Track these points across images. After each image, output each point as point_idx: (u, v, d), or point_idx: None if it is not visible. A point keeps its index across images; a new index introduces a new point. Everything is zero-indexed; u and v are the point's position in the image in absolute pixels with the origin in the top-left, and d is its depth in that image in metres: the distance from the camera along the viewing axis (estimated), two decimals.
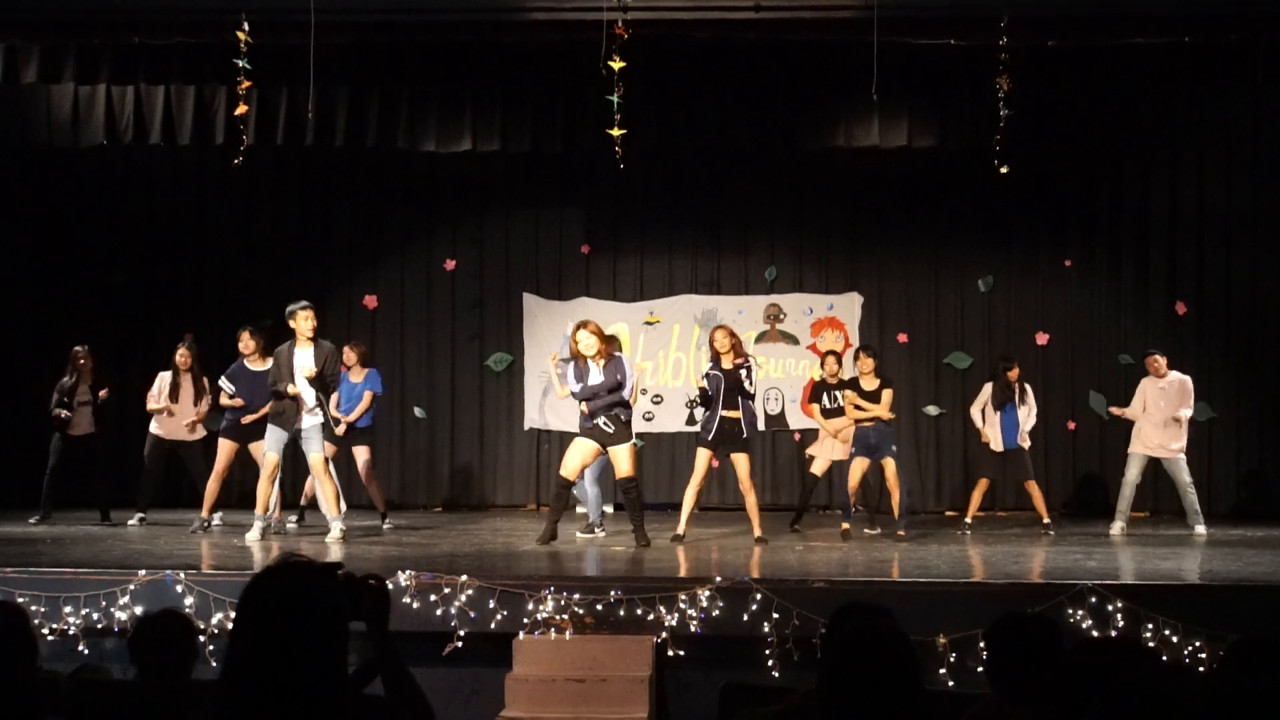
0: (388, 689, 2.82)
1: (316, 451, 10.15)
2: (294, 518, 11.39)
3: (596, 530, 10.65)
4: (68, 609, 7.66)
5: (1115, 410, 11.78)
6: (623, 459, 9.88)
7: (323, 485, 10.31)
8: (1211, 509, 11.90)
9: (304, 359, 10.01)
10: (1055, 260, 13.63)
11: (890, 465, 10.64)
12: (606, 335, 10.13)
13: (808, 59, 10.95)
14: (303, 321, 10.00)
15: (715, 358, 10.16)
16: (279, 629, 2.42)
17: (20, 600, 6.99)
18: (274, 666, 2.40)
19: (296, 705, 2.39)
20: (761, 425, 13.55)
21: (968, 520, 11.27)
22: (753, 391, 10.21)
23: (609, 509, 12.39)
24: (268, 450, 10.14)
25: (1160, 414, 11.11)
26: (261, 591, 2.49)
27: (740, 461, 10.14)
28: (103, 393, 11.78)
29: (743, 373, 10.04)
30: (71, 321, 13.04)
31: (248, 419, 10.85)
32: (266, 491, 10.22)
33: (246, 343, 10.94)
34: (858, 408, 10.74)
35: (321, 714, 2.41)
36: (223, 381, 11.03)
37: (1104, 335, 13.49)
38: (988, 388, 11.37)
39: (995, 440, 11.23)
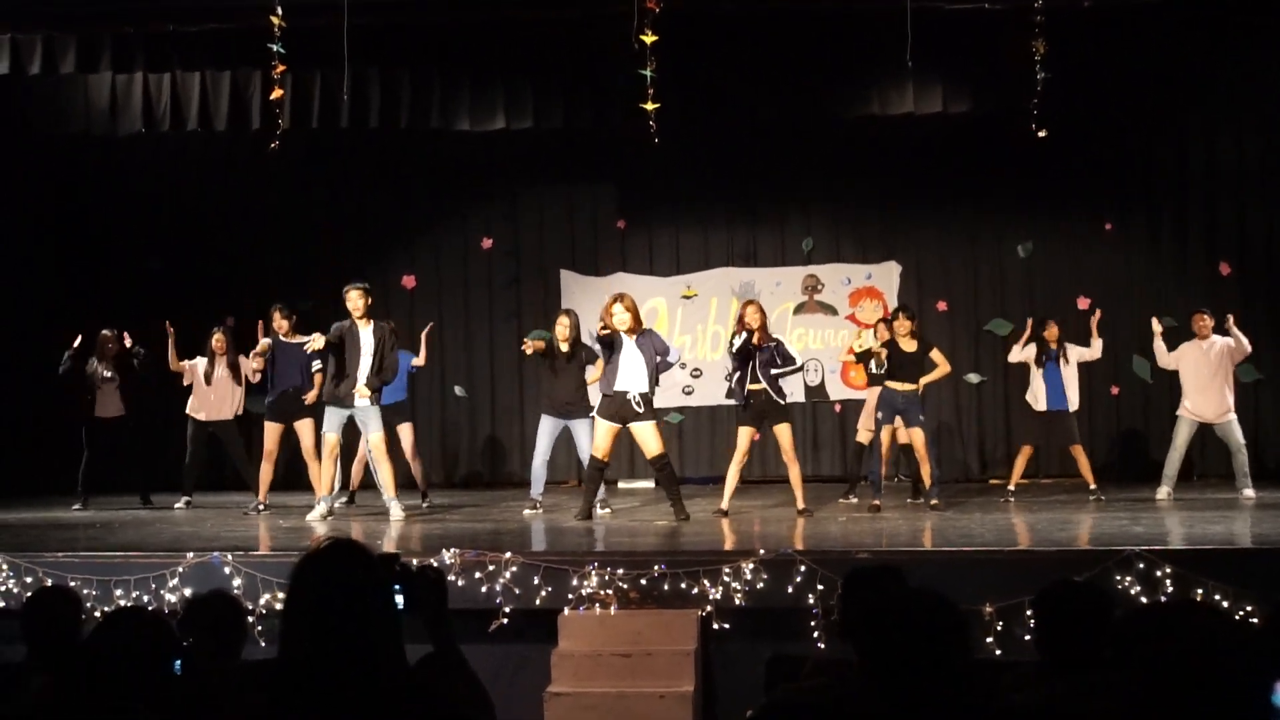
0: (444, 677, 2.83)
1: (377, 431, 10.26)
2: (344, 499, 11.48)
3: (538, 508, 10.67)
4: (118, 592, 7.76)
5: (1157, 336, 11.39)
6: (649, 438, 9.90)
7: (381, 466, 10.38)
8: (1260, 471, 11.77)
9: (366, 338, 10.12)
10: (1095, 223, 13.51)
11: (918, 435, 10.48)
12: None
13: (840, 27, 10.86)
14: (349, 302, 10.14)
15: (747, 332, 10.11)
16: (326, 608, 2.43)
17: (73, 584, 7.09)
18: (323, 646, 2.40)
19: (347, 685, 2.40)
20: (801, 397, 13.56)
21: (1010, 488, 11.20)
22: (800, 362, 10.26)
23: (649, 485, 12.50)
24: (327, 431, 10.25)
25: (1203, 378, 10.98)
26: (309, 571, 2.50)
27: (782, 433, 10.12)
28: (134, 347, 11.96)
29: (774, 347, 10.01)
30: (108, 308, 13.16)
31: (310, 396, 11.03)
32: (330, 472, 10.33)
33: (279, 321, 11.15)
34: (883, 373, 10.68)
35: (373, 695, 2.42)
36: (266, 341, 11.23)
37: (1145, 298, 13.34)
38: (1032, 346, 11.33)
39: (1039, 401, 11.17)
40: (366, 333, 10.18)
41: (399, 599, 2.80)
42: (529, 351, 10.88)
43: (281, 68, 10.32)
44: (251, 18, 10.42)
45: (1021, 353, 11.40)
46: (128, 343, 11.89)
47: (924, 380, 10.59)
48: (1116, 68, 11.03)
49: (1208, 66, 11.57)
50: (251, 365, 11.57)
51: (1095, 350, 11.36)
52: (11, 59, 10.93)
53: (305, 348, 10.27)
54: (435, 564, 7.44)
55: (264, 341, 11.22)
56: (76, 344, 11.83)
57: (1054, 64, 10.11)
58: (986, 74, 11.10)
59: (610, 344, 9.90)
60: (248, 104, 11.32)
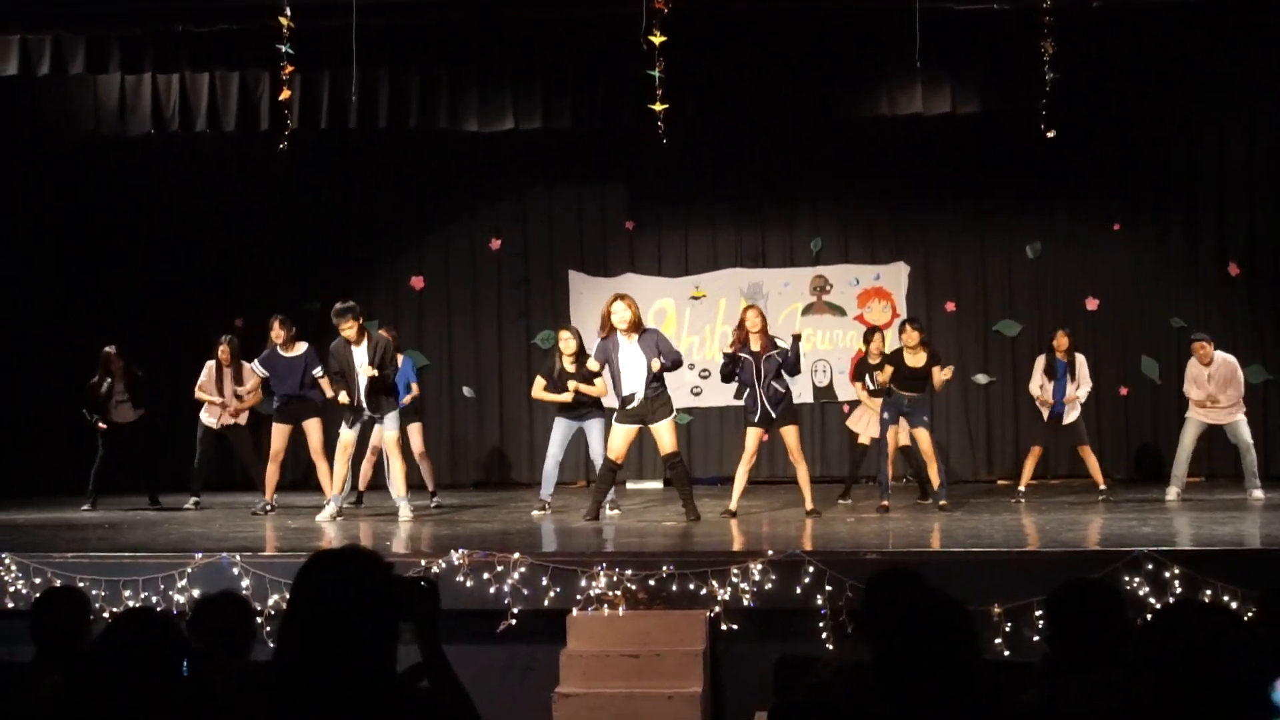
0: (433, 688, 2.82)
1: (392, 430, 10.29)
2: (352, 499, 11.48)
3: (547, 509, 10.67)
4: (127, 592, 7.77)
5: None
6: (665, 435, 9.90)
7: (394, 463, 10.39)
8: (1269, 471, 11.75)
9: (360, 356, 10.14)
10: (1104, 224, 13.48)
11: (924, 436, 10.46)
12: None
13: (849, 27, 10.86)
14: (344, 331, 10.15)
15: (745, 338, 10.10)
16: (328, 615, 2.43)
17: (81, 584, 7.09)
18: (322, 651, 2.41)
19: (343, 690, 2.40)
20: (809, 398, 13.55)
21: (1021, 489, 11.18)
22: (799, 368, 10.22)
23: (658, 485, 12.56)
24: (343, 428, 10.26)
25: (1210, 392, 10.94)
26: (313, 577, 2.50)
27: (789, 434, 10.11)
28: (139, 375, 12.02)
29: (777, 354, 9.99)
30: (115, 310, 13.20)
31: (325, 387, 10.91)
32: (342, 472, 10.33)
33: (277, 331, 11.15)
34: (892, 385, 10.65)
35: (367, 701, 2.42)
36: (255, 364, 11.25)
37: (1154, 299, 13.33)
38: (1041, 359, 11.30)
39: (1046, 409, 11.16)
40: (360, 352, 10.19)
41: None
42: (545, 392, 10.97)
43: (290, 69, 10.32)
44: (260, 19, 10.43)
45: (1037, 383, 11.30)
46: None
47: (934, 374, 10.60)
48: (1125, 68, 11.00)
49: (1216, 66, 11.54)
50: (247, 387, 11.55)
51: (1083, 389, 11.24)
52: (20, 60, 10.93)
53: (360, 372, 10.17)
54: (432, 570, 7.47)
55: (254, 378, 11.30)
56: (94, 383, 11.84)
57: (1063, 64, 10.08)
58: (995, 74, 11.08)
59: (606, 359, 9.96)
60: (256, 105, 11.33)
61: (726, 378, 10.16)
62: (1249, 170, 13.27)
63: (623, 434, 9.96)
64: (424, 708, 2.58)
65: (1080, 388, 11.15)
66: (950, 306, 13.65)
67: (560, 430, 10.86)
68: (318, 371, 11.01)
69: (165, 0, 10.82)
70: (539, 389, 11.00)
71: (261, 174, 13.84)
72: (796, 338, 10.30)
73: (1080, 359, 11.22)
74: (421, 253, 14.10)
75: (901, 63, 10.38)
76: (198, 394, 11.71)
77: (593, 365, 10.28)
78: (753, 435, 10.20)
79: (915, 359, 10.51)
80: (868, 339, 11.48)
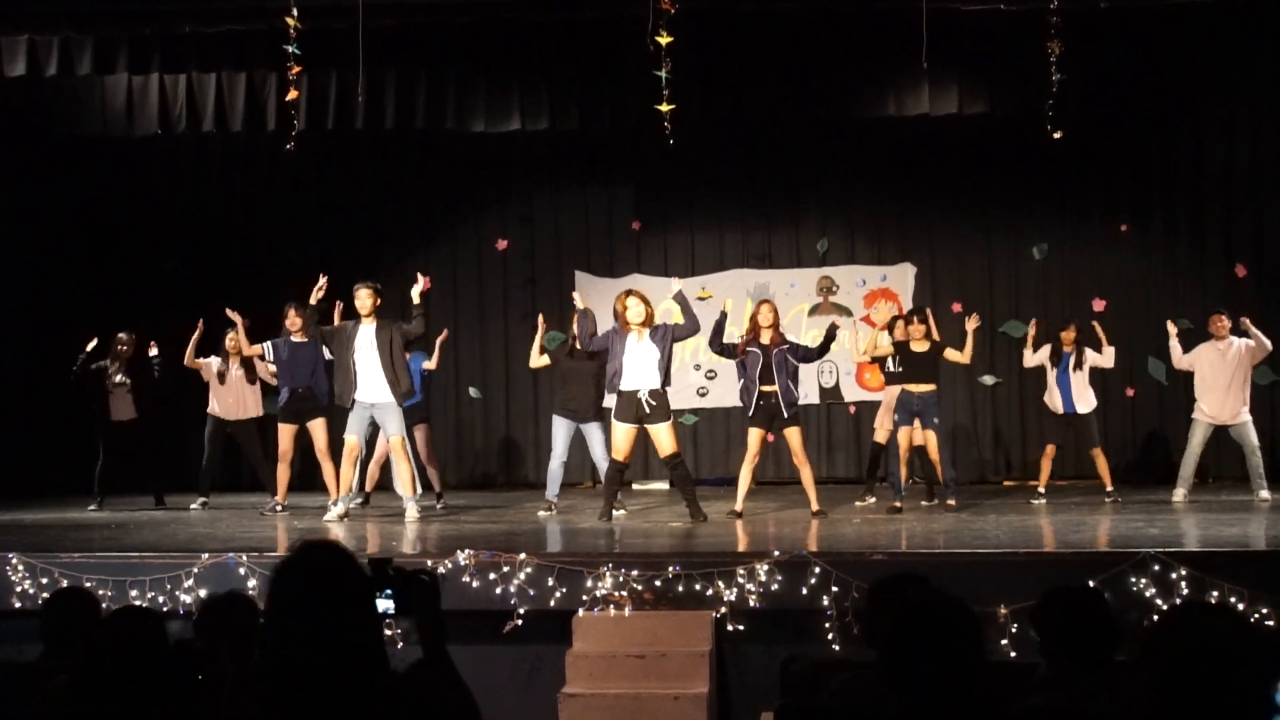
0: (431, 680, 2.82)
1: (395, 432, 10.26)
2: (359, 499, 11.48)
3: (553, 510, 10.68)
4: (134, 592, 7.78)
5: (1173, 337, 11.28)
6: (664, 437, 9.90)
7: (400, 465, 10.39)
8: (1276, 473, 11.71)
9: (366, 335, 10.10)
10: (1110, 225, 13.47)
11: (932, 437, 10.46)
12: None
13: (856, 28, 10.87)
14: (358, 300, 10.16)
15: (755, 331, 10.11)
16: (301, 610, 2.42)
17: (88, 584, 7.11)
18: (301, 649, 2.40)
19: (327, 688, 2.38)
20: (815, 399, 13.53)
21: (1040, 489, 11.11)
22: (823, 354, 10.37)
23: (664, 486, 12.55)
24: (348, 433, 10.24)
25: (1219, 380, 10.91)
26: (284, 575, 2.49)
27: (793, 436, 10.11)
28: (156, 357, 11.89)
29: (787, 350, 9.99)
30: (124, 309, 13.21)
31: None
32: (349, 474, 10.33)
33: (293, 319, 11.08)
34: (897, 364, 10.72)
35: (355, 698, 2.41)
36: (266, 346, 11.21)
37: (1161, 300, 13.29)
38: (1046, 347, 11.30)
39: (1055, 404, 11.16)
40: (368, 330, 10.15)
41: (390, 603, 2.79)
42: (534, 365, 11.23)
43: (297, 69, 10.34)
44: (267, 19, 10.46)
45: (1034, 356, 11.37)
46: (154, 351, 11.84)
47: (949, 354, 10.59)
48: (1132, 69, 11.02)
49: (1223, 67, 11.55)
50: (269, 368, 11.54)
51: (1108, 359, 11.27)
52: (28, 60, 10.97)
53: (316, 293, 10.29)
54: (431, 566, 7.47)
55: (259, 356, 11.30)
56: (91, 347, 11.81)
57: (1069, 65, 10.08)
58: (1002, 75, 11.09)
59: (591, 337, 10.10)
60: (264, 105, 11.37)
61: (715, 345, 10.17)
62: (1256, 171, 13.24)
63: (624, 433, 9.96)
64: (423, 703, 2.58)
65: (1101, 360, 11.13)
66: (956, 307, 13.61)
67: (561, 430, 10.87)
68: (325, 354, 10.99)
69: (172, 1, 10.84)
70: (537, 360, 11.25)
71: (269, 175, 13.87)
72: (834, 326, 10.36)
73: (1088, 349, 11.20)
74: (428, 253, 14.08)
75: (908, 64, 10.39)
76: (186, 362, 11.69)
77: (577, 304, 10.58)
78: (754, 435, 10.18)
79: (919, 346, 10.52)
80: (893, 327, 11.40)
